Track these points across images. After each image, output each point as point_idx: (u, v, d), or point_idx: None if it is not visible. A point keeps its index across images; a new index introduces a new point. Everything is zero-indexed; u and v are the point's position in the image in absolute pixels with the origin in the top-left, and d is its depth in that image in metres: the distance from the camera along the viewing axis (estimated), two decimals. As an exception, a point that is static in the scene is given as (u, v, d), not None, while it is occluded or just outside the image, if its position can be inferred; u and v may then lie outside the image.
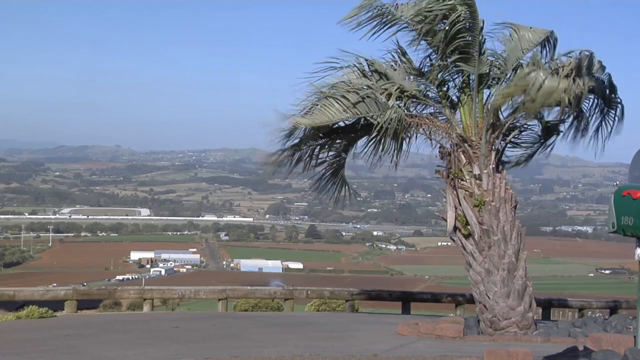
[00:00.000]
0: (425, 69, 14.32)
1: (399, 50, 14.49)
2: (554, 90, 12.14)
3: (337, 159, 14.96)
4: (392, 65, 14.58)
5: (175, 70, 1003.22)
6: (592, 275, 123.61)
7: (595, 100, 14.62)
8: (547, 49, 14.63)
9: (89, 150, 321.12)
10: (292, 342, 12.49)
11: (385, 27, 13.60)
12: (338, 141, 14.64)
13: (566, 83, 12.34)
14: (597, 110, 14.67)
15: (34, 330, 14.88)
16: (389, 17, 13.48)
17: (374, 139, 14.13)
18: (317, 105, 13.61)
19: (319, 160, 14.76)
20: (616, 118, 14.75)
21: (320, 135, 14.23)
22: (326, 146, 14.64)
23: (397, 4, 13.63)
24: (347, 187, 15.44)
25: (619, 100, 14.71)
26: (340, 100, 13.47)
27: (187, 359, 10.44)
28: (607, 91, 14.55)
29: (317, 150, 14.57)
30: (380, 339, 12.99)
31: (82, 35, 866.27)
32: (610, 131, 14.80)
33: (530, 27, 14.55)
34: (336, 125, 14.16)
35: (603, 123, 14.78)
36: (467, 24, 13.09)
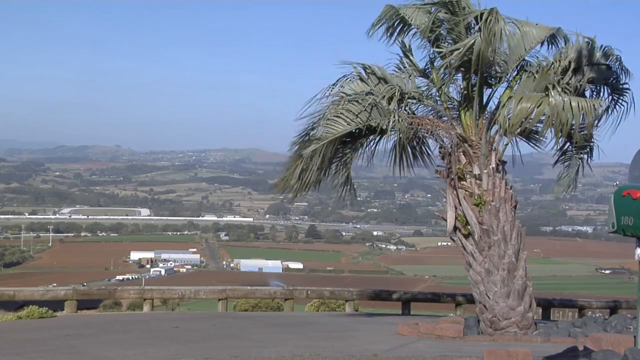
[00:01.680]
0: (429, 70, 14.31)
1: (403, 53, 14.55)
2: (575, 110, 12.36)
3: (346, 165, 15.02)
4: (399, 67, 14.59)
5: (175, 70, 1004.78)
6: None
7: (601, 90, 14.38)
8: (553, 46, 14.38)
9: (89, 150, 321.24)
10: (292, 342, 12.49)
11: (397, 32, 14.18)
12: (344, 150, 14.69)
13: (588, 102, 12.49)
14: (605, 99, 14.38)
15: (34, 330, 14.88)
16: (401, 24, 14.07)
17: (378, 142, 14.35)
18: (321, 124, 13.64)
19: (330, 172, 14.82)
20: (625, 104, 14.40)
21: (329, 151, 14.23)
22: (334, 158, 14.70)
23: (405, 7, 13.83)
24: (351, 187, 15.48)
25: (627, 87, 14.38)
26: (343, 115, 13.51)
27: (187, 359, 10.44)
28: (615, 78, 14.27)
29: (326, 163, 14.63)
30: (380, 339, 12.99)
31: (82, 35, 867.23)
32: (620, 119, 14.44)
33: (536, 24, 14.26)
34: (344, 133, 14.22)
35: (614, 111, 14.47)
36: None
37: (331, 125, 13.47)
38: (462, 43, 12.86)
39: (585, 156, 14.86)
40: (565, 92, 12.98)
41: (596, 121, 14.25)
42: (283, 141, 14.18)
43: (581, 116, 12.64)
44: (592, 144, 14.69)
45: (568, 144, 14.77)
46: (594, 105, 12.76)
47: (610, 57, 14.19)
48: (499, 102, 13.91)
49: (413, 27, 14.18)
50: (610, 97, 14.48)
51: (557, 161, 14.96)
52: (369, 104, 13.51)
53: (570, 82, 13.55)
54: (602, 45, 14.14)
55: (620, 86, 14.43)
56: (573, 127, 13.47)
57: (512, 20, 14.13)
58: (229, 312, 20.53)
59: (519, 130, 13.52)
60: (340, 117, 13.49)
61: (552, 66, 13.76)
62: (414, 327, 13.63)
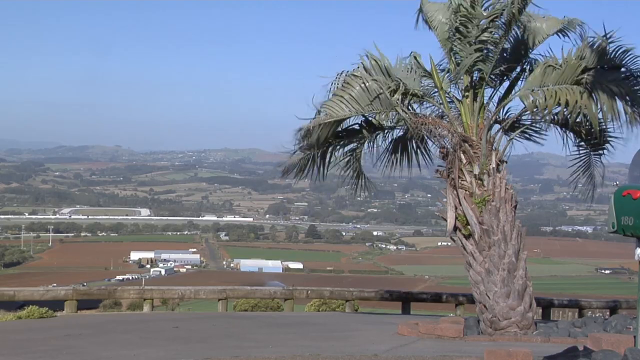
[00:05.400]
0: (429, 68, 14.29)
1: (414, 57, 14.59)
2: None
3: (351, 158, 15.02)
4: (408, 66, 14.56)
5: (175, 70, 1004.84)
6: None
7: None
8: (566, 39, 14.07)
9: (89, 150, 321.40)
10: (292, 342, 12.49)
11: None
12: (345, 141, 14.70)
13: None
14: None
15: (34, 330, 14.88)
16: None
17: (381, 139, 14.39)
18: (323, 106, 13.64)
19: (334, 160, 14.84)
20: None
21: (330, 138, 14.22)
22: (337, 147, 14.71)
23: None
24: (364, 181, 15.43)
25: None
26: (344, 100, 13.49)
27: (187, 359, 10.44)
28: (635, 83, 13.72)
29: (329, 151, 14.63)
30: (380, 339, 12.99)
31: (82, 35, 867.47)
32: None
33: (545, 17, 13.98)
34: (344, 127, 14.23)
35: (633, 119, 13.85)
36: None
37: (332, 108, 13.44)
38: None
39: (600, 157, 14.59)
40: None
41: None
42: (283, 142, 14.16)
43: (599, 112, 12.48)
44: (606, 141, 14.37)
45: (583, 143, 14.53)
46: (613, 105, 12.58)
47: (627, 58, 13.68)
48: (500, 100, 13.82)
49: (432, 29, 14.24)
50: (630, 105, 13.79)
51: (578, 162, 14.69)
52: (372, 93, 13.47)
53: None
54: (619, 47, 13.62)
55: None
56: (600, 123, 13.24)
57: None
58: (229, 312, 20.53)
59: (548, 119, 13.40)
60: (342, 102, 13.48)
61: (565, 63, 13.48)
62: (414, 327, 13.62)
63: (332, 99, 13.54)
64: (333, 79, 13.94)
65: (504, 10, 12.74)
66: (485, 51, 13.15)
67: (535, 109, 13.23)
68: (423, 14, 14.38)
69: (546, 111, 13.14)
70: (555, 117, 13.80)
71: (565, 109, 12.94)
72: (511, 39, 13.99)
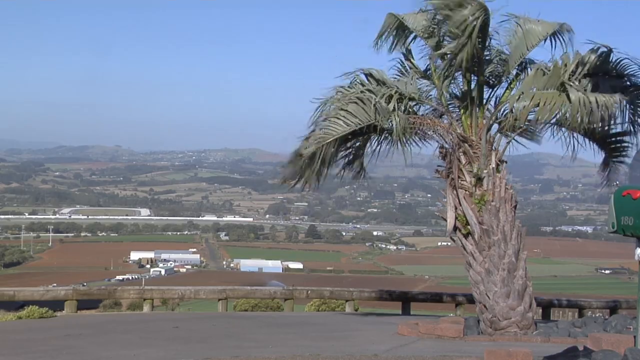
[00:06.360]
0: (429, 72, 14.31)
1: (405, 56, 14.61)
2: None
3: (354, 160, 15.05)
4: (401, 71, 14.67)
5: (175, 70, 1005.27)
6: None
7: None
8: (558, 43, 14.13)
9: (89, 150, 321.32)
10: (292, 342, 12.49)
11: (399, 39, 14.45)
12: (347, 146, 14.75)
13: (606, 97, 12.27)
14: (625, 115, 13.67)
15: (34, 330, 14.89)
16: (405, 32, 14.33)
17: (379, 142, 14.36)
18: (320, 125, 13.66)
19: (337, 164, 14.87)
20: None
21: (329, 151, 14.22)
22: (339, 153, 14.75)
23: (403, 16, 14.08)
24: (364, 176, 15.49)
25: None
26: (342, 115, 13.51)
27: (187, 359, 10.44)
28: (635, 93, 13.59)
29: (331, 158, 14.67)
30: (380, 339, 12.99)
31: (82, 35, 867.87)
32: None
33: (539, 20, 14.06)
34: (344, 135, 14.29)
35: (633, 129, 13.81)
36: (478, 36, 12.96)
37: (330, 127, 13.47)
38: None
39: (622, 162, 14.29)
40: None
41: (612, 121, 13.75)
42: (283, 141, 14.27)
43: (600, 112, 12.15)
44: (626, 148, 14.21)
45: (604, 153, 14.44)
46: (613, 101, 12.25)
47: (629, 69, 13.58)
48: (499, 101, 13.88)
49: (413, 32, 14.29)
50: (628, 113, 13.70)
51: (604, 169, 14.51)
52: (368, 103, 13.50)
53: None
54: (617, 59, 13.48)
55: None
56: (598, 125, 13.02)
57: (515, 17, 13.95)
58: (229, 312, 20.54)
59: (537, 125, 13.38)
60: (339, 118, 13.50)
61: (564, 67, 13.38)
62: (414, 327, 13.63)
63: (329, 116, 13.57)
64: (332, 92, 14.04)
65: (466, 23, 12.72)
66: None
67: (515, 113, 13.16)
68: (402, 23, 14.43)
69: (532, 115, 13.06)
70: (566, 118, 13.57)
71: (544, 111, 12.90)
72: (509, 39, 14.06)
